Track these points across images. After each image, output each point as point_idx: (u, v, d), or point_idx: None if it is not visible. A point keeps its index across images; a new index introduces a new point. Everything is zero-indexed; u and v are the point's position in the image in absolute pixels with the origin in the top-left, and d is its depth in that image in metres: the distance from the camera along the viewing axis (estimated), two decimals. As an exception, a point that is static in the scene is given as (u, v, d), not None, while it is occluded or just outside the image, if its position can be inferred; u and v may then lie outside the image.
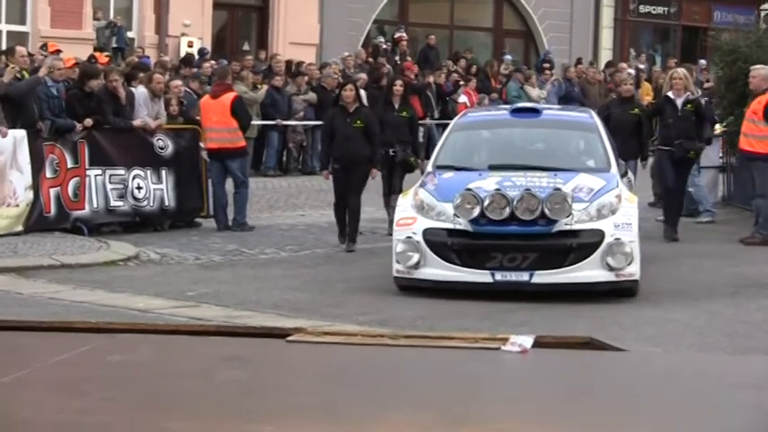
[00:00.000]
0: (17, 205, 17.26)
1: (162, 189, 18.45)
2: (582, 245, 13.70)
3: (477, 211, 13.64)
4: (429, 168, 15.34)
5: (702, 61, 35.05)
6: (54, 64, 18.76)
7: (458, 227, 13.81)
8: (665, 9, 41.65)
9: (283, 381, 3.16)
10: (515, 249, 13.74)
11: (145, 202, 18.28)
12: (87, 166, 17.98)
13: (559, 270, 13.67)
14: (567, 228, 13.72)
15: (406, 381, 3.17)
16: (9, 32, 28.64)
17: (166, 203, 18.47)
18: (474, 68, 32.15)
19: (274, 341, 3.44)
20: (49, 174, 17.61)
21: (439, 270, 13.76)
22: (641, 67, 36.37)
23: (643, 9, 41.09)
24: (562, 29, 38.75)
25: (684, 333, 12.22)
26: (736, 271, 15.03)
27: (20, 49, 19.41)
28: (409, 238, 13.86)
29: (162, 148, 18.63)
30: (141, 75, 20.02)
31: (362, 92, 23.48)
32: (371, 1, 35.00)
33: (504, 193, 13.75)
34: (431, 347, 3.48)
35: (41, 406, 2.70)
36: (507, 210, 13.59)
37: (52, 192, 17.63)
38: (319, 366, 3.32)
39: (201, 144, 18.77)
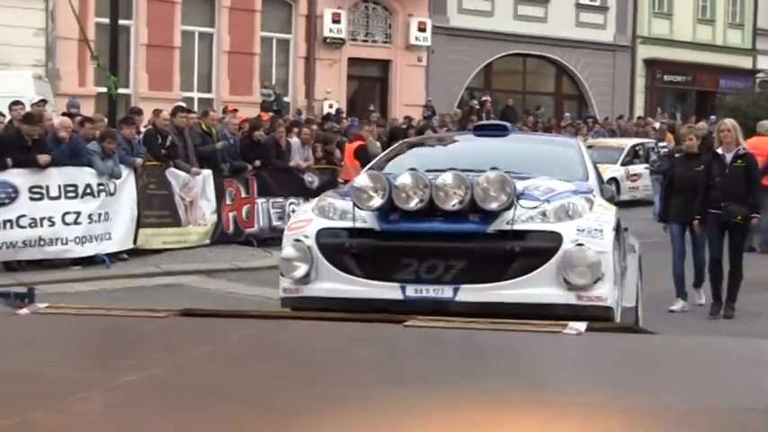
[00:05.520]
0: (205, 224, 17.51)
1: (310, 213, 18.73)
2: (529, 250, 7.71)
3: (381, 198, 7.83)
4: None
5: (712, 117, 34.71)
6: (229, 121, 19.38)
7: (360, 225, 7.95)
8: (684, 78, 41.47)
9: (401, 356, 3.15)
10: (436, 254, 7.79)
11: (298, 223, 18.58)
12: (256, 196, 18.27)
13: (496, 285, 7.66)
14: (509, 227, 7.74)
15: (494, 356, 3.15)
16: (200, 99, 29.06)
17: (314, 223, 18.76)
18: (539, 123, 32.32)
19: (394, 326, 3.43)
20: (228, 201, 17.88)
21: (333, 284, 7.89)
22: (664, 121, 36.21)
23: (667, 78, 41.02)
24: (606, 93, 38.66)
25: (693, 317, 12.10)
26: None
27: (212, 114, 19.93)
28: (298, 241, 8.06)
29: (310, 182, 18.88)
30: (295, 129, 20.34)
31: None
32: (464, 73, 35.10)
33: (421, 174, 7.91)
34: (510, 330, 3.46)
35: (226, 373, 2.71)
36: (425, 193, 7.75)
37: (230, 215, 17.91)
38: (428, 345, 3.31)
39: (339, 179, 19.07)
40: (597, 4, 38.58)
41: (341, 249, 8.00)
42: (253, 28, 30.41)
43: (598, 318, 7.26)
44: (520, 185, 8.02)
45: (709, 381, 2.74)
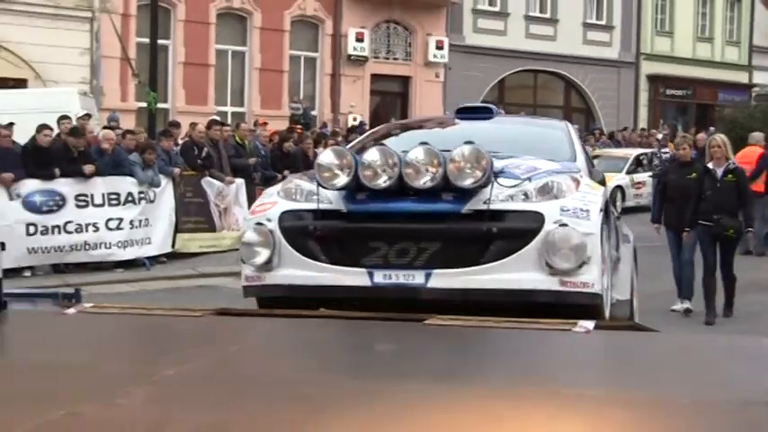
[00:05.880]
0: (238, 230, 17.49)
1: (336, 218, 18.66)
2: (508, 232, 6.33)
3: (347, 176, 6.54)
4: None
5: (711, 128, 34.59)
6: (260, 133, 19.31)
7: (325, 206, 6.64)
8: (684, 92, 41.26)
9: (422, 349, 3.16)
10: (406, 237, 6.45)
11: (324, 227, 18.52)
12: (285, 203, 18.24)
13: (471, 269, 6.28)
14: (486, 207, 6.38)
15: (507, 352, 3.15)
16: (233, 113, 29.09)
17: (339, 228, 18.68)
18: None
19: (415, 324, 3.43)
20: (259, 208, 17.88)
21: (297, 270, 6.60)
22: (666, 132, 36.10)
23: (669, 92, 40.80)
24: (612, 107, 38.54)
25: (694, 319, 11.97)
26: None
27: (244, 126, 19.91)
28: (260, 225, 6.81)
29: (336, 191, 18.84)
30: (322, 140, 20.36)
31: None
32: (479, 88, 35.02)
33: (390, 150, 6.65)
34: (525, 329, 3.46)
35: (259, 368, 2.72)
36: (394, 170, 6.45)
37: (262, 221, 17.90)
38: (446, 340, 3.32)
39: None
40: (603, 23, 38.52)
41: (304, 233, 6.66)
42: (282, 47, 30.46)
43: (583, 305, 6.13)
44: (500, 164, 6.75)
45: (711, 376, 2.73)
